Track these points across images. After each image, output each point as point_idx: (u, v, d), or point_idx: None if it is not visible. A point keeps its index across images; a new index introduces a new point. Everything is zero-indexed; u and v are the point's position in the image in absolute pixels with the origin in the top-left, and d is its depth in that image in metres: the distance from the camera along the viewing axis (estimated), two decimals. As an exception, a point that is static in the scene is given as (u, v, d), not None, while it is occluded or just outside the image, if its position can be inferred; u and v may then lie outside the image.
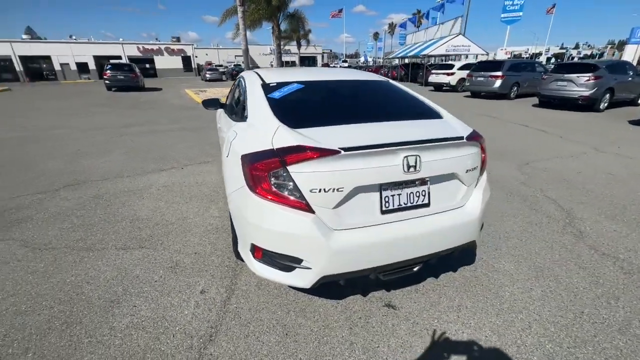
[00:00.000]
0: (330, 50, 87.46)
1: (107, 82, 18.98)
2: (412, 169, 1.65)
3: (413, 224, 1.74)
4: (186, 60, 46.48)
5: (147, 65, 43.32)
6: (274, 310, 2.00)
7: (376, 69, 30.88)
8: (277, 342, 1.77)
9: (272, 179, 1.56)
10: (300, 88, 2.35)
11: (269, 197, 1.58)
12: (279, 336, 1.81)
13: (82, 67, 39.81)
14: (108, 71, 18.99)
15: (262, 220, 1.61)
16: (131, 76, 19.32)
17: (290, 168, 1.53)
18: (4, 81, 33.89)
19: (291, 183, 1.55)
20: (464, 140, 1.80)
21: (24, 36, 39.92)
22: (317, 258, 1.60)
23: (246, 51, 15.29)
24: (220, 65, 41.04)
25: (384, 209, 1.70)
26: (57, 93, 19.80)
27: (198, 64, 46.46)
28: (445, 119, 2.11)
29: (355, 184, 1.60)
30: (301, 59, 48.21)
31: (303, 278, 1.65)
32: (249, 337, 1.81)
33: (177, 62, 45.82)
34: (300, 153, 1.53)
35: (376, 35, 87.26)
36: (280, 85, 2.34)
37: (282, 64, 25.99)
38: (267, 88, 2.29)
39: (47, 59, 38.58)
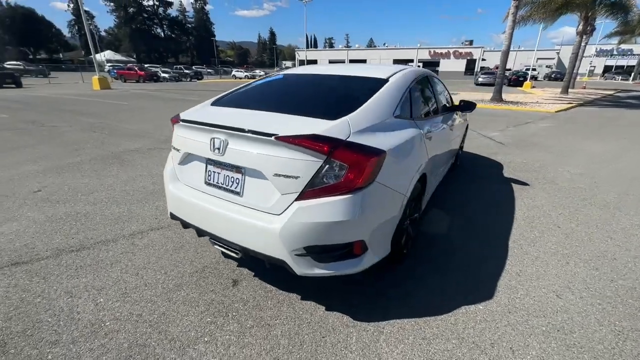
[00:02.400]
0: None
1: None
2: (217, 151, 1.74)
3: (225, 205, 1.78)
4: (470, 63, 45.66)
5: (431, 68, 46.87)
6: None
7: None
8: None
9: None
10: (277, 79, 2.67)
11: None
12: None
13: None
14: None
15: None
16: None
17: (174, 127, 2.06)
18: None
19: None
20: (273, 139, 1.54)
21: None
22: (166, 194, 2.14)
23: (505, 52, 13.22)
24: (509, 70, 37.08)
25: (206, 180, 1.89)
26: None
27: (482, 67, 44.32)
28: (330, 121, 1.68)
29: (186, 150, 1.94)
30: None
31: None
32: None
33: (460, 65, 46.15)
34: (175, 118, 2.03)
35: None
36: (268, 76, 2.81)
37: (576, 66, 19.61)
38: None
39: (363, 62, 51.38)
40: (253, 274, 2.20)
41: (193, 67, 51.75)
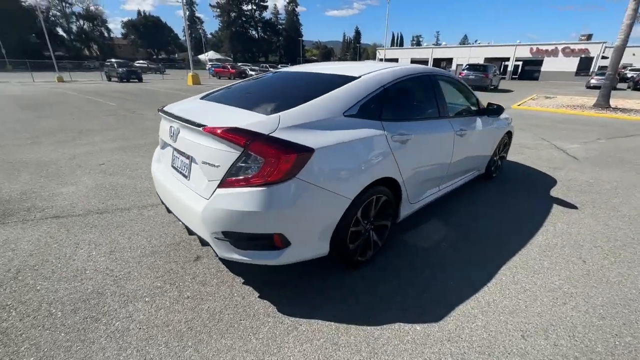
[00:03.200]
0: None
1: (456, 80, 21.15)
2: (172, 138, 2.00)
3: (179, 187, 1.98)
4: (585, 62, 38.27)
5: (532, 68, 40.84)
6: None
7: None
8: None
9: None
10: (266, 76, 2.81)
11: None
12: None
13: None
14: (464, 71, 20.95)
15: None
16: (482, 76, 20.12)
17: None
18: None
19: None
20: (201, 129, 1.70)
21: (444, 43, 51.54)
22: None
23: (619, 49, 10.76)
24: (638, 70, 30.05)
25: (172, 164, 2.13)
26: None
27: (600, 67, 36.75)
28: (262, 116, 1.80)
29: (161, 136, 2.28)
30: None
31: None
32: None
33: (570, 64, 39.09)
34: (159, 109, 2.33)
35: None
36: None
37: None
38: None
39: (449, 60, 47.64)
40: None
41: (278, 65, 55.55)
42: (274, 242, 1.70)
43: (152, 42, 68.48)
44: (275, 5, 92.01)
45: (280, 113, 1.75)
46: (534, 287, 2.10)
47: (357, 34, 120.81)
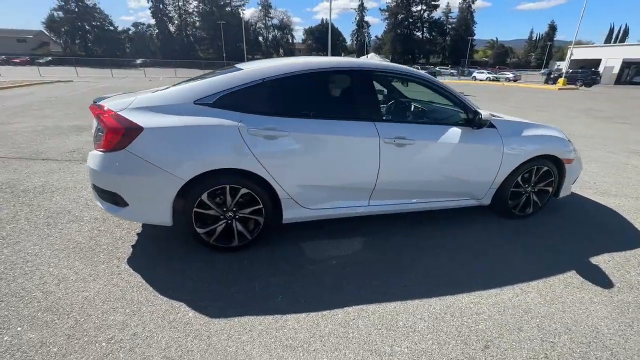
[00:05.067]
0: None
1: None
2: None
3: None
4: None
5: None
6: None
7: None
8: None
9: None
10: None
11: None
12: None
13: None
14: None
15: None
16: None
17: None
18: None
19: None
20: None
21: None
22: None
23: None
24: None
25: None
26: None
27: None
28: (129, 97, 2.15)
29: None
30: None
31: None
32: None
33: None
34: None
35: None
36: None
37: None
38: None
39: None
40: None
41: (438, 67, 52.62)
42: (116, 199, 2.09)
43: (325, 46, 78.21)
44: (448, 3, 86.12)
45: (139, 95, 2.10)
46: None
47: (552, 29, 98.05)
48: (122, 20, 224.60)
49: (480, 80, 37.79)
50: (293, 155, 2.18)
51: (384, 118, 2.41)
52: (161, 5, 66.57)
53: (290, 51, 77.09)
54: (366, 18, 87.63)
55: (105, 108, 2.03)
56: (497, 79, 36.99)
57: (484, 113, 2.42)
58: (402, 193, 2.54)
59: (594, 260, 2.39)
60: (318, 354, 1.55)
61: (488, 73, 39.98)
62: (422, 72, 2.71)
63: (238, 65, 2.59)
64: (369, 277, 2.13)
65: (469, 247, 2.52)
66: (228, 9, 68.34)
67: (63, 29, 62.39)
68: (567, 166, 2.86)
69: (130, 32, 69.78)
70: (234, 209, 2.21)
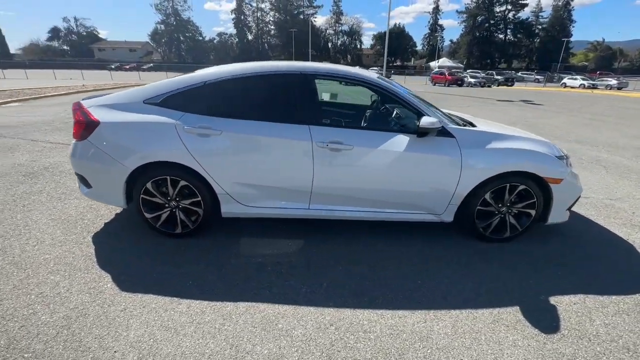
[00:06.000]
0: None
1: None
2: None
3: None
4: None
5: None
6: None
7: None
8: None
9: None
10: None
11: None
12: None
13: None
14: None
15: None
16: None
17: None
18: None
19: None
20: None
21: None
22: None
23: None
24: None
25: None
26: None
27: None
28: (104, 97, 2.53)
29: None
30: None
31: None
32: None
33: None
34: None
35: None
36: None
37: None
38: None
39: None
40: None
41: (520, 73, 47.54)
42: (84, 181, 2.49)
43: (394, 51, 76.61)
44: (540, 1, 76.73)
45: (106, 95, 2.46)
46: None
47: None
48: (214, 31, 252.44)
49: (572, 87, 32.76)
50: (226, 154, 2.32)
51: (322, 122, 2.39)
52: (242, 17, 73.11)
53: (358, 57, 77.38)
54: (441, 21, 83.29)
55: (80, 104, 2.44)
56: (593, 87, 31.69)
57: (428, 120, 2.22)
58: (346, 199, 2.47)
59: (557, 300, 2.01)
60: (183, 339, 1.66)
61: (583, 79, 34.34)
62: (373, 74, 2.60)
63: (197, 70, 2.87)
64: (281, 279, 2.15)
65: (407, 261, 2.34)
66: (301, 17, 71.80)
67: (163, 40, 72.97)
68: (553, 187, 2.43)
69: (215, 41, 78.07)
70: (177, 199, 2.44)
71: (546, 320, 1.83)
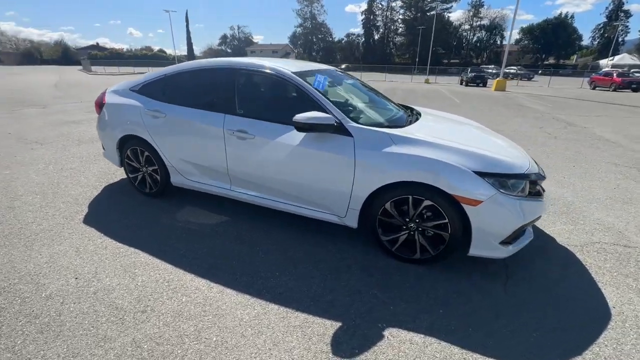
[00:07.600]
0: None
1: None
2: None
3: None
4: None
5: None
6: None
7: None
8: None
9: None
10: None
11: None
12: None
13: None
14: None
15: None
16: None
17: None
18: None
19: None
20: None
21: None
22: None
23: None
24: None
25: None
26: None
27: None
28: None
29: None
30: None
31: None
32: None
33: None
34: None
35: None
36: None
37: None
38: None
39: None
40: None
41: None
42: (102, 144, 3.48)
43: (545, 47, 63.41)
44: None
45: (122, 82, 3.33)
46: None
47: None
48: (350, 33, 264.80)
49: None
50: (170, 134, 2.83)
51: (237, 112, 2.60)
52: (372, 17, 74.19)
53: (496, 54, 67.20)
54: (628, 6, 63.49)
55: (106, 90, 3.41)
56: None
57: (305, 115, 2.12)
58: (260, 188, 2.62)
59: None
60: (92, 256, 2.27)
61: None
62: (292, 66, 2.59)
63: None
64: (183, 242, 2.55)
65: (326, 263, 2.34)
66: (432, 12, 67.56)
67: (299, 42, 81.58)
68: (467, 209, 1.94)
69: (343, 41, 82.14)
70: (146, 165, 3.14)
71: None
